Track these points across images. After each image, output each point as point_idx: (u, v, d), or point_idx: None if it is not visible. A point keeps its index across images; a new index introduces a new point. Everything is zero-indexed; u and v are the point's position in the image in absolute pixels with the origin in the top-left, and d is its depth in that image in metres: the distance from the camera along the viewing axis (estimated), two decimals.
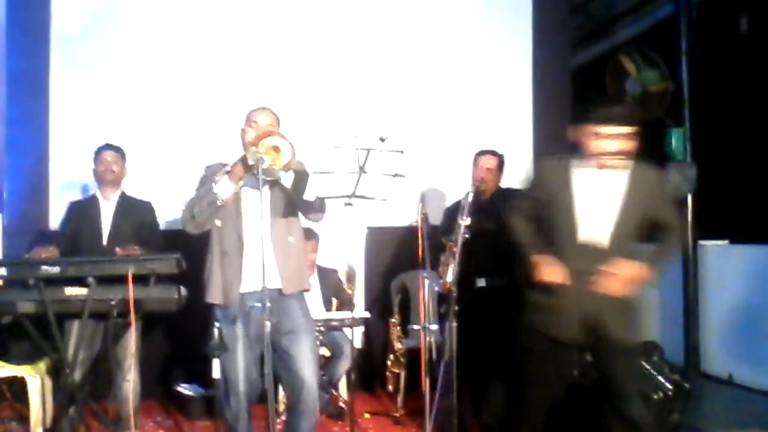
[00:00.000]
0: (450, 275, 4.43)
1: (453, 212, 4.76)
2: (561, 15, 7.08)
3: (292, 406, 4.03)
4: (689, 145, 7.47)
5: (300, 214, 4.12)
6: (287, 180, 3.87)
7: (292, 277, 4.05)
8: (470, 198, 4.63)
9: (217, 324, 4.13)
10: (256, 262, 3.72)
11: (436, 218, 5.22)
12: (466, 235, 4.40)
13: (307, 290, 4.21)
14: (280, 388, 4.57)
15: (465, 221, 4.57)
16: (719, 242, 7.37)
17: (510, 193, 5.01)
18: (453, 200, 5.01)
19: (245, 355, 3.99)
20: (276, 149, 3.76)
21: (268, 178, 3.78)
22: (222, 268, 4.00)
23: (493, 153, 5.15)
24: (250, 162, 3.73)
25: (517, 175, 6.64)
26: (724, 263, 7.25)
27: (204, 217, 3.95)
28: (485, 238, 4.67)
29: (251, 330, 3.98)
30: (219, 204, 3.91)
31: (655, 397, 4.10)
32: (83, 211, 5.09)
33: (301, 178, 3.89)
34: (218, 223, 4.01)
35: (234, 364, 3.98)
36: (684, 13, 7.52)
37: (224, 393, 4.06)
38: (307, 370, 3.97)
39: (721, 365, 7.07)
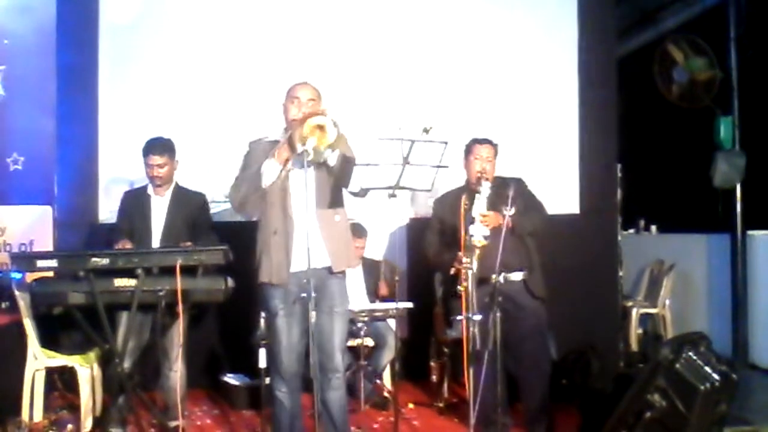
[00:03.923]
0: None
1: (453, 202, 4.78)
2: (607, 3, 7.00)
3: (321, 379, 4.08)
4: (738, 134, 7.38)
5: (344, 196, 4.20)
6: (333, 159, 3.91)
7: (341, 255, 4.12)
8: (486, 188, 4.63)
9: (263, 314, 4.18)
10: (305, 241, 3.76)
11: None
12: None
13: (353, 267, 4.32)
14: None
15: (509, 211, 4.55)
16: None
17: (507, 182, 4.93)
18: None
19: (292, 332, 4.07)
20: (321, 128, 3.78)
21: (315, 161, 3.82)
22: (272, 248, 4.05)
23: (490, 142, 5.04)
24: (297, 143, 3.77)
25: (565, 165, 6.67)
26: None
27: (251, 199, 4.04)
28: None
29: (298, 312, 4.06)
30: (264, 187, 3.97)
31: (702, 388, 4.04)
32: (135, 204, 5.15)
33: (347, 160, 3.96)
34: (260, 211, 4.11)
35: (281, 344, 4.07)
36: (733, 0, 7.41)
37: (273, 371, 4.17)
38: (336, 348, 4.09)
39: None
